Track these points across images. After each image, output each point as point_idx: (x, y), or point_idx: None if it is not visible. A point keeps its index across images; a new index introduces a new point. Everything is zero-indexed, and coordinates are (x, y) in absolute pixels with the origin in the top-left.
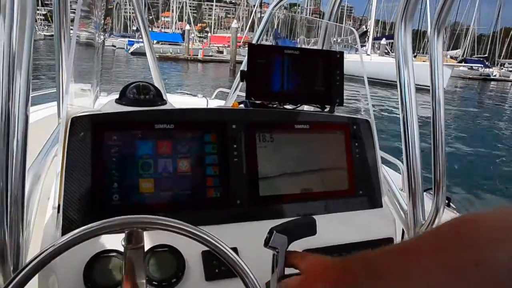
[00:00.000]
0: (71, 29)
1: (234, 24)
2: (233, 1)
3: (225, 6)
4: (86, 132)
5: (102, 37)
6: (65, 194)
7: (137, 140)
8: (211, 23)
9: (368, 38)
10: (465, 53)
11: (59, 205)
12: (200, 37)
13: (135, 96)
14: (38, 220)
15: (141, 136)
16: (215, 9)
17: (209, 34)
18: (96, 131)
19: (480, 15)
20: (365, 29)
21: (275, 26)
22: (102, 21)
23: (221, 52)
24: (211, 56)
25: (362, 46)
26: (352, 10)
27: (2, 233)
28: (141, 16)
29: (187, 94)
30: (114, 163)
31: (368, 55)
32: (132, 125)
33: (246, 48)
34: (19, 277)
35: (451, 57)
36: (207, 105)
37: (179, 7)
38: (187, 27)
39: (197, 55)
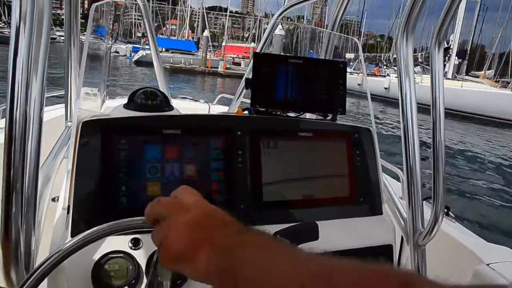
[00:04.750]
0: (81, 34)
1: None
2: (239, 12)
3: (232, 15)
4: (96, 136)
5: (110, 42)
6: (75, 196)
7: (145, 144)
8: (217, 32)
9: (449, 57)
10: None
11: (68, 206)
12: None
13: (143, 101)
14: (46, 220)
15: (149, 141)
16: (222, 18)
17: (223, 43)
18: (106, 135)
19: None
20: (445, 45)
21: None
22: (111, 27)
23: (238, 64)
24: (232, 69)
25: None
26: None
27: (16, 232)
28: (148, 21)
29: (189, 99)
30: (123, 166)
31: (449, 78)
32: (140, 130)
33: None
34: (33, 277)
35: (487, 78)
36: (209, 111)
37: (188, 15)
38: (205, 33)
39: (217, 68)
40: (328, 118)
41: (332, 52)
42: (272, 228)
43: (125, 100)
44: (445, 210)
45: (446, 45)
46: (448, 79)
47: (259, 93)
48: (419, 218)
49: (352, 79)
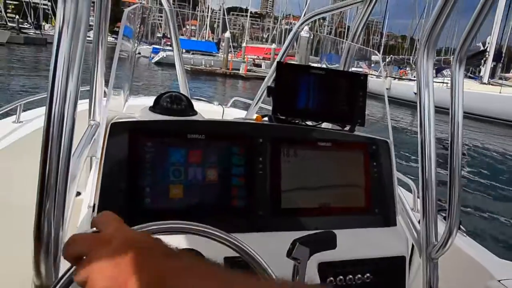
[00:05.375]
0: (109, 35)
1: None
2: (258, 12)
3: (253, 16)
4: (124, 137)
5: (136, 44)
6: (101, 195)
7: (170, 148)
8: (237, 33)
9: (485, 61)
10: None
11: (94, 205)
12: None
13: (168, 105)
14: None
15: (174, 145)
16: (241, 18)
17: (243, 44)
18: (134, 137)
19: None
20: (482, 48)
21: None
22: (138, 30)
23: (259, 66)
24: (253, 71)
25: (476, 66)
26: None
27: (49, 226)
28: (174, 25)
29: (203, 100)
30: (148, 168)
31: (485, 83)
32: (166, 133)
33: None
34: (66, 276)
35: None
36: (223, 113)
37: (208, 15)
38: (227, 34)
39: (238, 70)
40: (346, 128)
41: (350, 64)
42: (288, 235)
43: (147, 99)
44: None
45: (482, 47)
46: (484, 83)
47: (281, 101)
48: (433, 231)
49: (376, 83)
